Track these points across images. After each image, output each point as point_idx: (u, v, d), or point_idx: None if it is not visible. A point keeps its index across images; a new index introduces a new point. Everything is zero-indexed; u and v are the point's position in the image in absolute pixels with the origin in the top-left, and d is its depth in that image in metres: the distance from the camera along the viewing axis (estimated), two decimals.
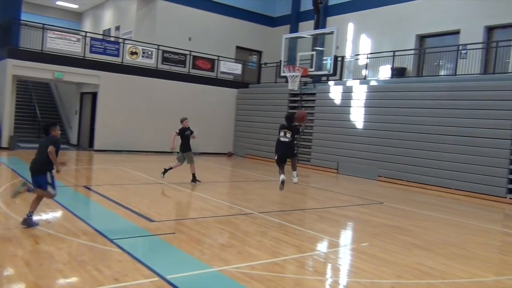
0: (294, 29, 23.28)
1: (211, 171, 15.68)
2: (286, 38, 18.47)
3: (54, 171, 6.45)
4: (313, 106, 18.68)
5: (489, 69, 15.17)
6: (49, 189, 6.38)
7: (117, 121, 18.72)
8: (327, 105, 17.92)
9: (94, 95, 19.50)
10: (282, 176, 9.43)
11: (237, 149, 22.22)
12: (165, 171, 11.73)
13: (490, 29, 16.76)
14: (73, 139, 21.51)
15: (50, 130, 6.44)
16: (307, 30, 21.22)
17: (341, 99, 17.41)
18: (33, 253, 5.33)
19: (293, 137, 9.44)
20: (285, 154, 9.52)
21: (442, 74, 16.92)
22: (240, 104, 22.37)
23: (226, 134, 22.21)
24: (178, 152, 11.90)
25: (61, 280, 4.61)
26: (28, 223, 6.30)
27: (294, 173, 9.56)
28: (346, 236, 7.84)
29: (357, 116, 16.65)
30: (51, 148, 6.21)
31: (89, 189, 10.04)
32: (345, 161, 16.77)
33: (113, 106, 18.68)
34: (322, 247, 6.81)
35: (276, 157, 9.54)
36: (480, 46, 15.84)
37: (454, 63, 15.43)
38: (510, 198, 12.38)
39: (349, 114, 16.94)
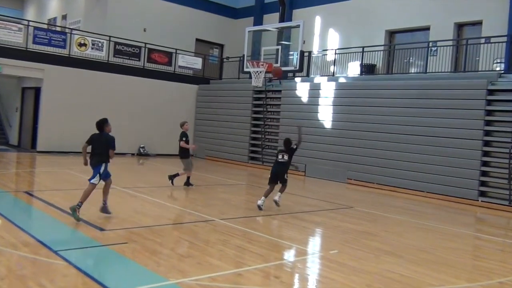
0: (258, 21, 23.35)
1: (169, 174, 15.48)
2: (249, 31, 18.50)
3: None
4: (279, 104, 18.78)
5: (460, 67, 15.72)
6: (95, 179, 7.70)
7: (64, 119, 18.21)
8: (293, 103, 18.06)
9: (37, 91, 18.92)
10: (263, 199, 9.79)
11: (197, 150, 22.01)
12: (188, 182, 12.05)
13: (460, 26, 17.36)
14: (13, 139, 20.78)
15: (104, 126, 7.84)
16: (272, 23, 21.34)
17: (308, 97, 17.59)
18: None
19: (290, 159, 10.06)
20: (278, 173, 10.05)
21: (413, 71, 17.38)
22: (200, 101, 22.22)
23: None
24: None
25: None
26: (105, 210, 7.90)
27: (279, 194, 10.09)
28: (314, 243, 7.89)
29: (325, 115, 16.86)
30: (112, 152, 7.73)
31: (31, 195, 9.72)
32: (313, 163, 16.94)
33: (59, 103, 18.18)
34: (289, 255, 6.83)
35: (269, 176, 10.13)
36: (450, 43, 16.36)
37: (424, 60, 15.87)
38: (482, 201, 12.84)
39: (317, 112, 17.14)
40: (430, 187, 13.81)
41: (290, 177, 15.36)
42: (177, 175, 12.12)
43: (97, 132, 7.96)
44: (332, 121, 16.63)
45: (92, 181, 7.73)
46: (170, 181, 12.01)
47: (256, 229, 7.98)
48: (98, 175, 7.73)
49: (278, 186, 10.18)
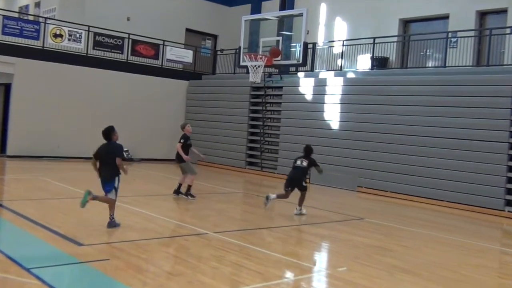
0: (256, 9, 23.37)
1: (156, 182, 15.45)
2: (246, 20, 18.50)
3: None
4: (280, 103, 18.79)
5: (483, 61, 15.75)
6: (111, 194, 8.04)
7: (37, 120, 18.18)
8: (296, 101, 18.07)
9: (7, 87, 18.86)
10: (274, 196, 10.32)
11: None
12: (189, 193, 11.75)
13: (482, 14, 17.40)
14: None
15: (112, 135, 8.12)
16: (271, 10, 21.36)
17: (313, 94, 17.60)
18: None
19: (308, 166, 10.62)
20: (294, 179, 10.50)
21: (430, 65, 17.41)
22: (191, 99, 22.21)
23: (174, 136, 21.92)
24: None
25: None
26: (111, 225, 8.07)
27: (299, 208, 10.67)
28: (320, 260, 7.87)
29: (332, 115, 16.88)
30: (119, 161, 8.00)
31: None
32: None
33: (32, 101, 18.13)
34: (291, 273, 6.80)
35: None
36: (472, 33, 16.39)
37: (443, 53, 15.90)
38: (509, 212, 12.84)
39: (323, 112, 17.15)
40: (451, 195, 13.81)
41: None
42: (189, 188, 11.76)
43: (104, 142, 8.19)
44: (340, 121, 16.64)
45: (109, 195, 8.13)
46: (187, 197, 11.69)
47: (255, 243, 7.97)
48: (113, 190, 8.10)
49: (296, 195, 10.37)
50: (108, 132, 8.19)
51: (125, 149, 20.78)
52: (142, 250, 7.03)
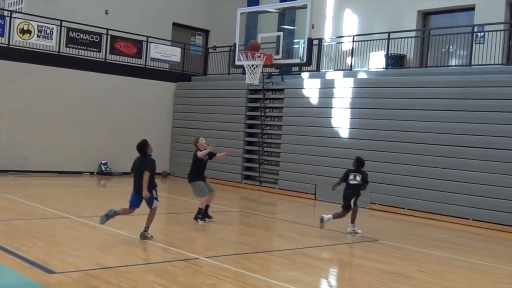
0: (254, 0, 23.47)
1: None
2: (242, 13, 18.56)
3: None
4: (281, 107, 18.82)
5: None
6: (154, 204, 9.22)
7: (1, 128, 18.15)
8: (299, 105, 18.11)
9: None
10: (329, 217, 10.84)
11: (175, 167, 22.02)
12: (199, 216, 11.50)
13: None
14: None
15: (146, 148, 9.28)
16: (271, 2, 21.42)
17: (319, 98, 17.64)
18: None
19: (362, 182, 11.11)
20: (351, 198, 11.06)
21: (453, 64, 17.47)
22: (179, 103, 22.24)
23: (160, 146, 21.91)
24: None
25: None
26: (144, 236, 9.26)
27: (352, 225, 11.32)
28: None
29: (341, 121, 16.91)
30: (146, 176, 9.03)
31: None
32: (326, 182, 16.86)
33: None
34: None
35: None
36: (501, 27, 16.46)
37: (468, 49, 15.97)
38: None
39: (330, 117, 17.19)
40: (476, 212, 13.81)
41: (295, 201, 15.35)
42: (202, 210, 11.52)
43: (138, 156, 9.40)
44: (350, 128, 16.67)
45: (152, 206, 9.24)
46: (203, 221, 11.44)
47: (252, 269, 7.96)
48: (154, 199, 9.20)
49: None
50: (142, 146, 9.33)
51: (103, 162, 20.74)
52: (123, 278, 7.00)
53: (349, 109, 16.80)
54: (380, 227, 13.04)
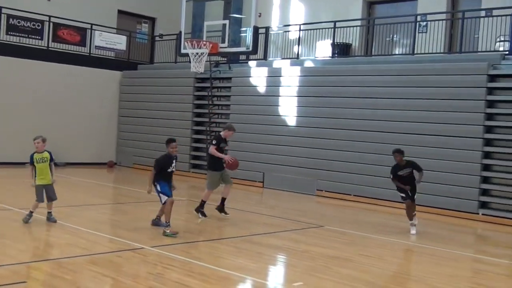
0: None
1: (84, 189, 15.21)
2: (188, 1, 18.43)
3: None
4: (228, 96, 18.84)
5: (454, 47, 16.22)
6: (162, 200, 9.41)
7: None
8: (247, 93, 18.17)
9: None
10: (411, 222, 10.99)
11: (121, 156, 21.79)
12: (201, 210, 11.27)
13: None
14: None
15: (167, 146, 9.58)
16: None
17: (266, 86, 17.74)
18: None
19: (412, 170, 11.10)
20: (413, 189, 11.09)
21: (397, 52, 17.84)
22: (125, 92, 21.98)
23: (105, 135, 21.71)
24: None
25: None
26: (156, 223, 9.84)
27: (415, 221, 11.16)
28: (273, 274, 7.97)
29: (288, 109, 17.06)
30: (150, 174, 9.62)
31: None
32: (272, 170, 17.09)
33: None
34: None
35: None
36: (443, 16, 16.86)
37: (411, 38, 16.31)
38: (483, 214, 13.35)
39: (277, 106, 17.31)
40: (419, 197, 14.09)
41: (243, 189, 15.44)
42: (204, 202, 11.30)
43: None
44: (297, 116, 16.84)
45: (162, 202, 9.44)
46: (199, 214, 11.26)
47: (199, 258, 7.99)
48: (158, 195, 9.46)
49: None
50: (166, 143, 9.66)
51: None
52: (66, 270, 6.94)
53: (296, 97, 16.96)
54: (326, 214, 13.25)
